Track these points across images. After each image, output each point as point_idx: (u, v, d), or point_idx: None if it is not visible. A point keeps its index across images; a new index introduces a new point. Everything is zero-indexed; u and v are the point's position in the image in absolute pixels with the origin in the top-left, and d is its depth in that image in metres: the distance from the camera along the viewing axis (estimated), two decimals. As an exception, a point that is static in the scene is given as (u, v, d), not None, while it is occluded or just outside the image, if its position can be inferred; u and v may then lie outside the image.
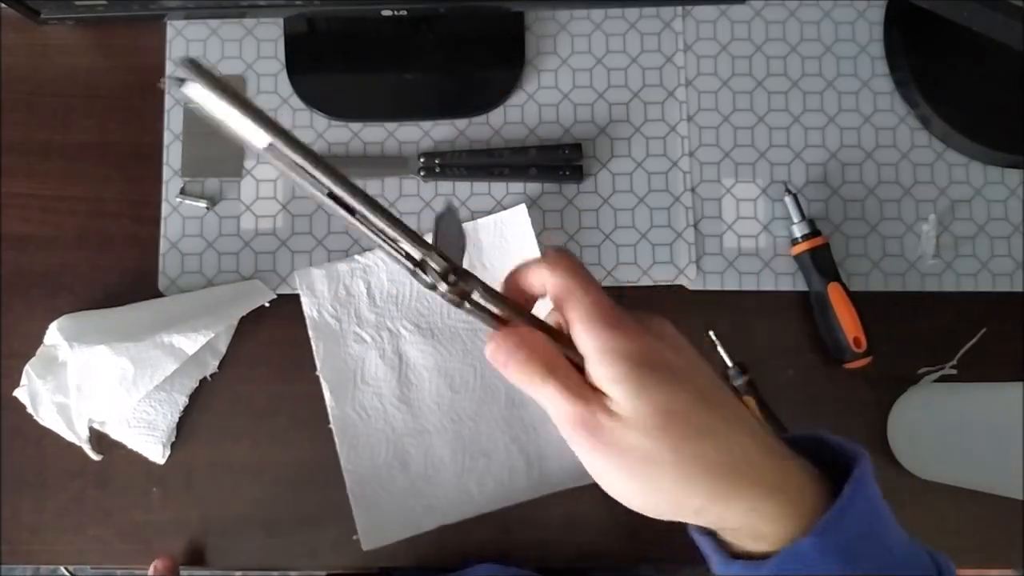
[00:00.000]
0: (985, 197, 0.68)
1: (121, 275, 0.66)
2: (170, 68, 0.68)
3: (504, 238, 0.66)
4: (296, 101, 0.68)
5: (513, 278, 0.36)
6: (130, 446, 0.63)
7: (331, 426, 0.64)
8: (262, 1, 0.62)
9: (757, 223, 0.68)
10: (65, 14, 0.62)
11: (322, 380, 0.64)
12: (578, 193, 0.68)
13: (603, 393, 0.32)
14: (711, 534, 0.36)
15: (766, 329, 0.67)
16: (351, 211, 0.32)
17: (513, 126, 0.69)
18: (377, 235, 0.33)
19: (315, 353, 0.64)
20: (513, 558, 0.64)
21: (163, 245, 0.66)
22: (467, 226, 0.66)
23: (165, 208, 0.67)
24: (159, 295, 0.66)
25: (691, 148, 0.68)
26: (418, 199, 0.68)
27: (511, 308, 0.34)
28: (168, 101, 0.68)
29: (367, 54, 0.69)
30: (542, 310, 0.35)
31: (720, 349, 0.65)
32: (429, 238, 0.33)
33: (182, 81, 0.29)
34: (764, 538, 0.34)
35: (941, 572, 0.36)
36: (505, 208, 0.67)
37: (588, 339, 0.33)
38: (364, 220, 0.32)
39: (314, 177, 0.31)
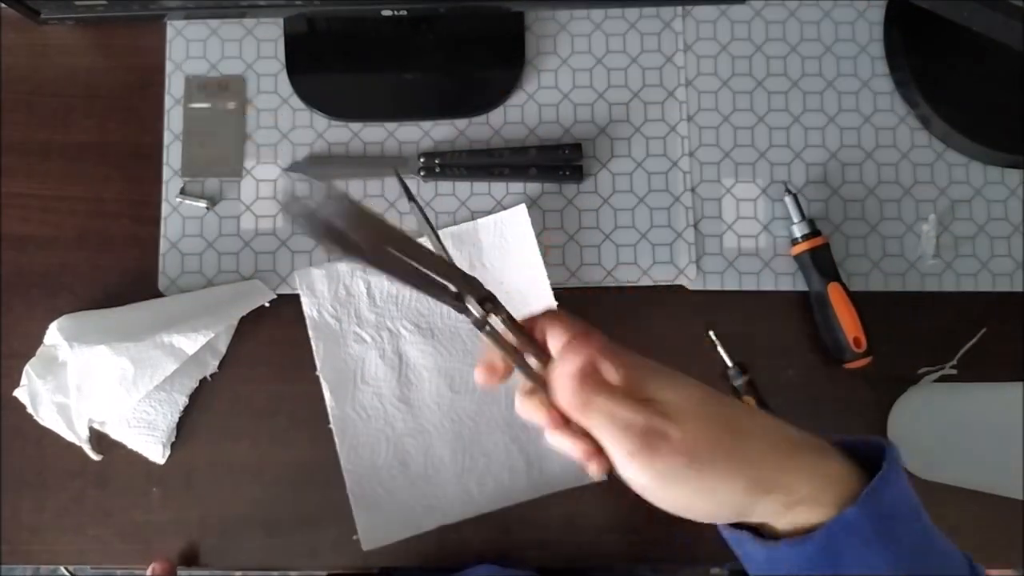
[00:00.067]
0: (985, 197, 0.68)
1: (121, 275, 0.66)
2: (170, 68, 0.68)
3: (504, 238, 0.66)
4: (296, 101, 0.68)
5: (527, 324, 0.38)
6: (130, 446, 0.63)
7: (331, 426, 0.64)
8: (262, 1, 0.62)
9: (757, 223, 0.68)
10: (65, 14, 0.62)
11: (322, 380, 0.64)
12: (578, 193, 0.68)
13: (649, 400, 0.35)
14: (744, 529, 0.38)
15: (766, 329, 0.67)
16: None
17: (513, 126, 0.69)
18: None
19: (315, 353, 0.64)
20: (513, 558, 0.64)
21: (163, 245, 0.66)
22: (467, 226, 0.66)
23: (165, 208, 0.67)
24: (159, 295, 0.66)
25: (691, 148, 0.68)
26: (418, 199, 0.67)
27: (528, 338, 0.36)
28: (168, 101, 0.68)
29: (367, 54, 0.69)
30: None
31: (720, 349, 0.65)
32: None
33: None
34: (823, 505, 0.35)
35: (972, 566, 0.37)
36: (505, 208, 0.67)
37: (621, 354, 0.35)
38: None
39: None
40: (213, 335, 0.61)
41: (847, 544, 0.34)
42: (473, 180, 0.67)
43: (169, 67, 0.68)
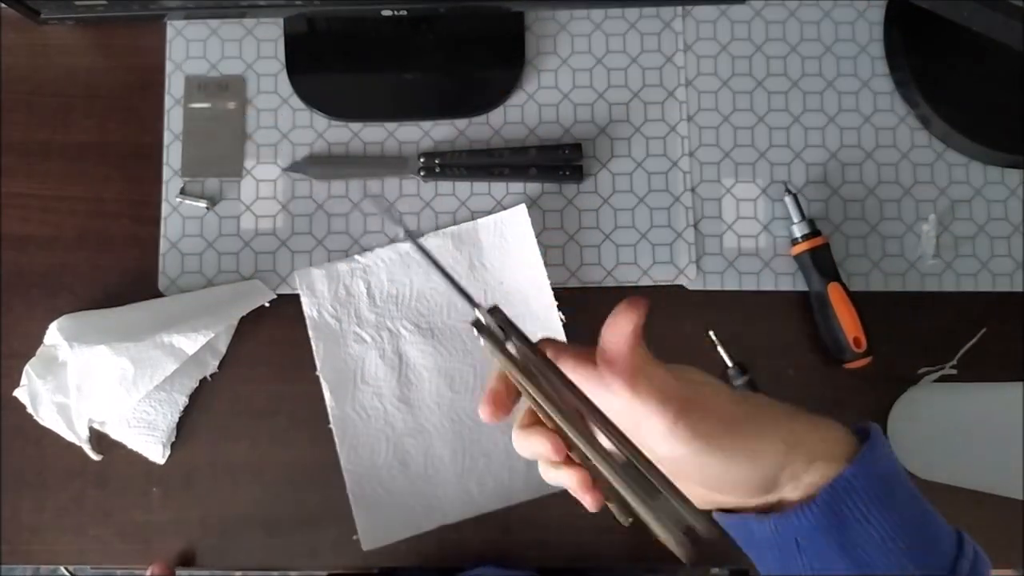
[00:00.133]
0: (985, 197, 0.68)
1: (121, 275, 0.66)
2: (170, 68, 0.68)
3: (504, 238, 0.66)
4: (296, 101, 0.68)
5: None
6: (130, 446, 0.63)
7: (331, 426, 0.64)
8: (262, 1, 0.62)
9: (757, 223, 0.68)
10: (65, 14, 0.62)
11: (322, 380, 0.64)
12: (578, 193, 0.68)
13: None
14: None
15: (766, 329, 0.67)
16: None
17: (513, 126, 0.69)
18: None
19: (315, 353, 0.64)
20: (513, 558, 0.64)
21: (163, 245, 0.66)
22: (467, 226, 0.66)
23: (165, 208, 0.67)
24: (159, 295, 0.66)
25: (691, 148, 0.68)
26: (418, 199, 0.67)
27: (542, 358, 0.36)
28: (168, 101, 0.68)
29: (367, 54, 0.69)
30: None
31: (720, 349, 0.65)
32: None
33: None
34: (836, 459, 0.36)
35: (960, 535, 0.38)
36: (505, 208, 0.67)
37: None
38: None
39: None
40: (213, 335, 0.61)
41: (849, 501, 0.35)
42: (473, 180, 0.67)
43: (169, 67, 0.68)
